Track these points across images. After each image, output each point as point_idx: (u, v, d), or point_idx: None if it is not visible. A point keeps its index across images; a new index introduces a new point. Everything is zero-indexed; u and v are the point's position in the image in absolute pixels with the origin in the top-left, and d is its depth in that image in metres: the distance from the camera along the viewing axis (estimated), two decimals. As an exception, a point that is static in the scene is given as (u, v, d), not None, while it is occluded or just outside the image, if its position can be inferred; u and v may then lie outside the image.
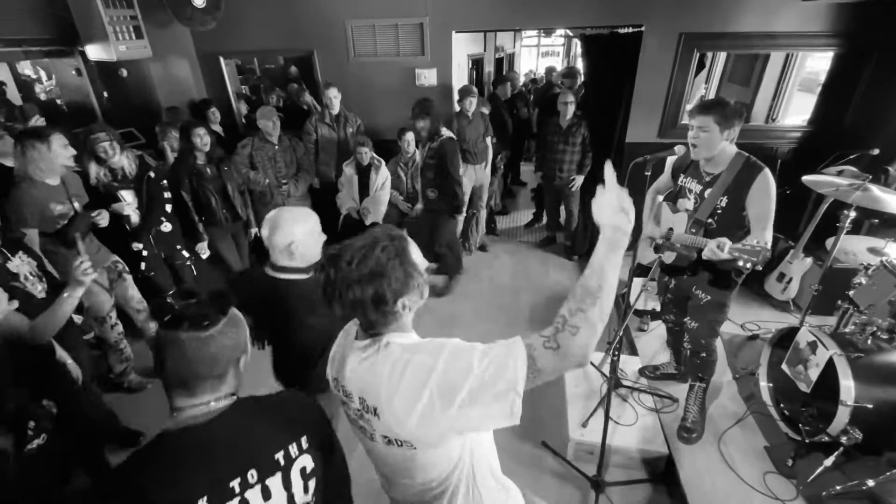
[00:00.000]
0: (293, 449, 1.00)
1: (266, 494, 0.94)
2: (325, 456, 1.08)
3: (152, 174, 2.90)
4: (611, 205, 1.00)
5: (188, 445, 0.91)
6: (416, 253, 1.02)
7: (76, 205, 2.48)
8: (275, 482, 0.95)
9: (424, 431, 0.96)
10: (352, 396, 1.06)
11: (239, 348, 0.97)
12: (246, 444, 0.95)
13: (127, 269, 2.93)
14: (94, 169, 2.68)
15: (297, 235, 1.72)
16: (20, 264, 1.85)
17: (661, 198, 2.41)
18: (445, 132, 3.60)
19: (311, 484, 1.02)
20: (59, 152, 2.32)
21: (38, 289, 1.88)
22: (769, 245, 1.92)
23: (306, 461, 1.01)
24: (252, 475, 0.92)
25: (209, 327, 0.91)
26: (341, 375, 1.09)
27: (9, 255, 1.82)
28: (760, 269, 1.79)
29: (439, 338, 1.03)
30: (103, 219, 2.52)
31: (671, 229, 2.24)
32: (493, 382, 0.91)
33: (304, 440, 1.02)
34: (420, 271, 1.01)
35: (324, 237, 1.84)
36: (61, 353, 1.98)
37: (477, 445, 1.08)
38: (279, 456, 0.97)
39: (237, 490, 0.90)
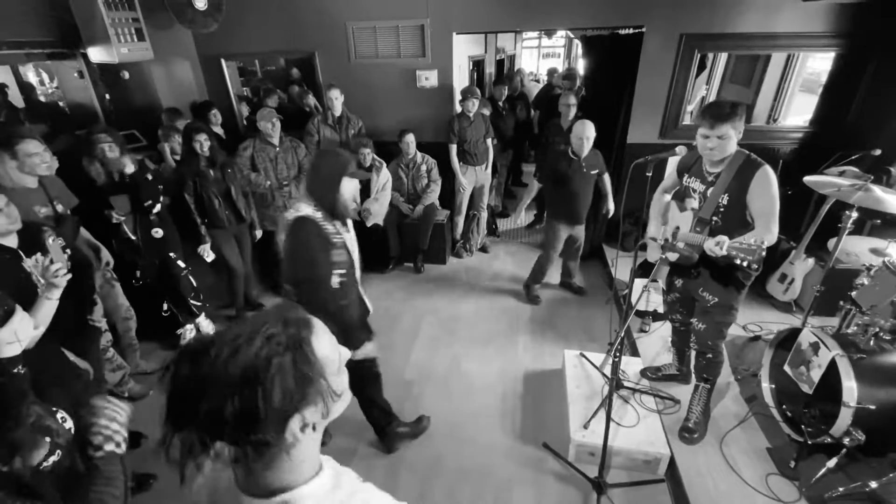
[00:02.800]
0: None
1: None
2: None
3: (149, 176, 2.90)
4: None
5: None
6: (325, 344, 0.72)
7: (59, 207, 2.42)
8: None
9: None
10: None
11: None
12: None
13: (115, 276, 2.89)
14: (94, 170, 2.69)
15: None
16: (35, 265, 1.87)
17: (668, 197, 2.41)
18: None
19: None
20: (25, 161, 2.24)
21: None
22: (775, 240, 1.93)
23: None
24: None
25: None
26: None
27: (24, 255, 1.84)
28: (756, 268, 1.80)
29: (354, 481, 0.81)
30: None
31: (678, 227, 2.24)
32: None
33: None
34: (325, 373, 0.70)
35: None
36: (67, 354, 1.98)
37: None
38: None
39: None
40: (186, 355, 0.66)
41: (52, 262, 1.74)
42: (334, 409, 0.73)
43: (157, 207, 2.96)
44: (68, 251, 2.07)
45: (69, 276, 1.78)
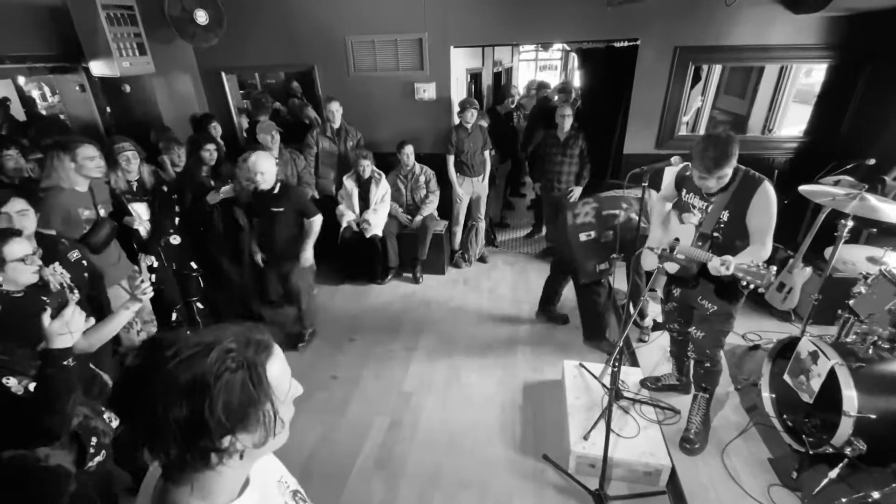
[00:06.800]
0: None
1: None
2: None
3: (165, 188, 3.00)
4: None
5: None
6: (279, 371, 0.72)
7: (102, 212, 2.58)
8: None
9: None
10: None
11: None
12: None
13: None
14: (113, 177, 2.80)
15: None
16: (52, 274, 1.89)
17: (669, 205, 2.42)
18: None
19: None
20: (84, 164, 2.41)
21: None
22: (768, 255, 1.94)
23: None
24: None
25: None
26: None
27: (42, 264, 1.87)
28: (764, 291, 1.80)
29: None
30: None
31: (677, 239, 2.25)
32: None
33: None
34: (273, 398, 0.69)
35: None
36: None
37: None
38: None
39: None
40: (146, 349, 0.67)
41: (142, 280, 1.80)
42: (273, 441, 0.72)
43: (177, 220, 3.08)
44: (85, 263, 2.10)
45: (151, 293, 1.82)
